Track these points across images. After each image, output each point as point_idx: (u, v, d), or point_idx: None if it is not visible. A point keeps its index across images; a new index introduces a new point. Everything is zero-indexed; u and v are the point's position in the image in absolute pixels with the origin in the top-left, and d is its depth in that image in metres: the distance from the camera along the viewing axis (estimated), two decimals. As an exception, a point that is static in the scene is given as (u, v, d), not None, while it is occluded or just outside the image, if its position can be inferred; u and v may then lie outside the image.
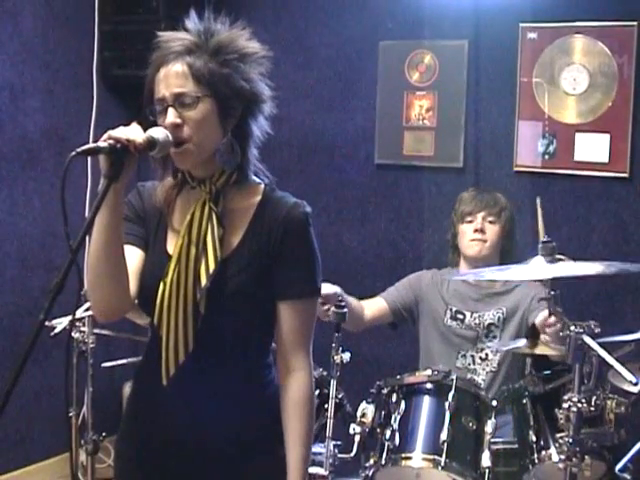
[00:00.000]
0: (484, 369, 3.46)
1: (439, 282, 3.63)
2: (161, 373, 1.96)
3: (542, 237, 2.84)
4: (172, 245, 2.00)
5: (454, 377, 2.99)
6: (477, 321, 3.49)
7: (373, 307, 3.63)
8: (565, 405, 2.59)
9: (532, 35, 4.01)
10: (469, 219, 3.54)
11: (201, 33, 1.95)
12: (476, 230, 3.50)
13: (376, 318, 3.64)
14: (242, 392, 2.02)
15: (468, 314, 3.51)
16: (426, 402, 3.00)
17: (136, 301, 2.00)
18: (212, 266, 1.93)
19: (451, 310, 3.55)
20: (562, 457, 2.60)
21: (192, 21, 1.97)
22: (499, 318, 3.47)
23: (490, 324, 3.47)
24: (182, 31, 1.97)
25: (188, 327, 1.94)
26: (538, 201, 3.11)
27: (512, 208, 3.62)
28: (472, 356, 3.48)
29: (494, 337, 3.48)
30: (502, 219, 3.54)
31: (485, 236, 3.51)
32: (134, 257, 1.99)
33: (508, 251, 3.57)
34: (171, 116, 1.89)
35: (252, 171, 2.03)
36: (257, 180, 2.05)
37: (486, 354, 3.47)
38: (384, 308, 3.64)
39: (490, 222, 3.53)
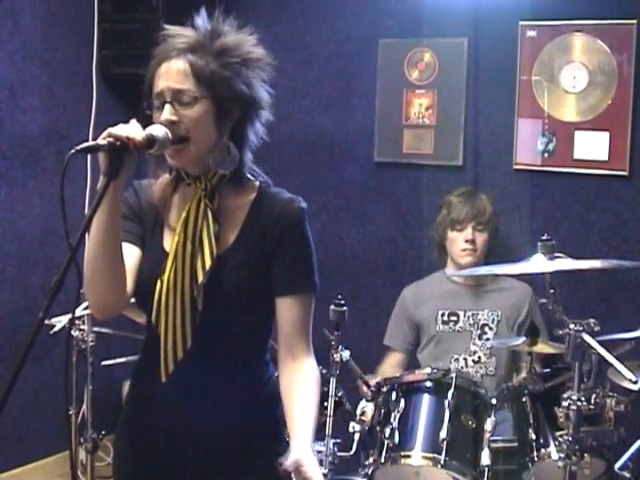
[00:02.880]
0: (477, 371, 3.46)
1: (424, 291, 3.69)
2: (159, 371, 1.96)
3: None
4: (169, 242, 2.00)
5: (454, 375, 2.99)
6: (471, 321, 3.53)
7: (394, 366, 3.64)
8: (565, 403, 2.60)
9: (532, 33, 4.00)
10: (459, 227, 3.61)
11: (208, 33, 1.94)
12: (467, 240, 3.58)
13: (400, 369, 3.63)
14: (240, 389, 2.02)
15: (461, 313, 3.55)
16: (425, 400, 2.99)
17: (132, 299, 2.00)
18: (208, 262, 1.93)
19: (443, 315, 3.58)
20: (562, 455, 2.60)
21: (201, 19, 1.97)
22: (493, 320, 3.50)
23: (484, 325, 3.50)
24: (189, 27, 1.97)
25: (186, 324, 1.94)
26: None
27: (495, 208, 3.72)
28: (465, 359, 3.49)
29: (487, 339, 3.50)
30: (490, 226, 3.64)
31: (476, 246, 3.59)
32: (131, 255, 1.99)
33: (492, 249, 3.67)
34: (167, 113, 1.89)
35: (247, 172, 2.03)
36: (252, 178, 2.05)
37: (479, 357, 3.49)
38: (402, 359, 3.70)
39: (479, 230, 3.61)
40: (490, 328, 3.50)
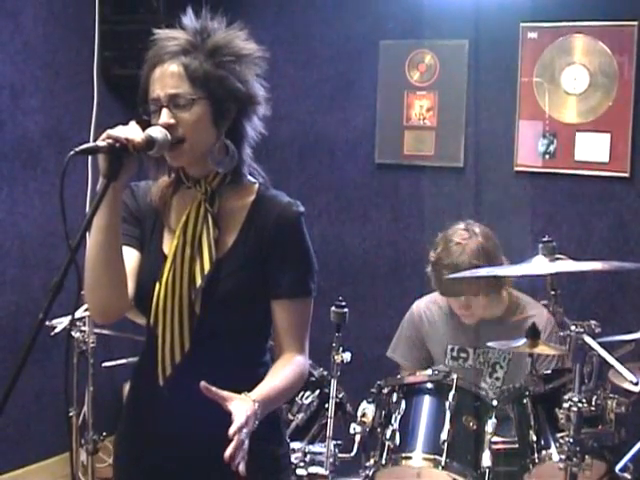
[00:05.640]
0: None
1: (435, 317, 3.47)
2: (157, 373, 1.96)
3: None
4: (168, 245, 2.00)
5: (454, 377, 2.98)
6: (481, 359, 3.38)
7: None
8: (565, 405, 2.59)
9: (532, 35, 4.01)
10: (451, 295, 3.31)
11: (197, 32, 1.94)
12: (461, 307, 3.31)
13: None
14: (239, 390, 2.01)
15: (471, 351, 3.40)
16: (426, 402, 2.99)
17: (132, 302, 2.00)
18: (207, 266, 1.93)
19: (452, 350, 3.43)
20: (562, 457, 2.60)
21: (189, 18, 1.97)
22: (504, 358, 3.35)
23: (495, 363, 3.35)
24: (179, 29, 1.97)
25: (184, 327, 1.94)
26: None
27: (487, 249, 3.22)
28: None
29: (497, 379, 3.37)
30: (484, 287, 3.22)
31: (472, 309, 3.30)
32: (130, 258, 1.99)
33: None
34: (164, 117, 1.89)
35: (247, 171, 2.03)
36: (252, 180, 2.04)
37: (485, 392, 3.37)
38: None
39: (474, 295, 3.24)
40: (501, 367, 3.34)
